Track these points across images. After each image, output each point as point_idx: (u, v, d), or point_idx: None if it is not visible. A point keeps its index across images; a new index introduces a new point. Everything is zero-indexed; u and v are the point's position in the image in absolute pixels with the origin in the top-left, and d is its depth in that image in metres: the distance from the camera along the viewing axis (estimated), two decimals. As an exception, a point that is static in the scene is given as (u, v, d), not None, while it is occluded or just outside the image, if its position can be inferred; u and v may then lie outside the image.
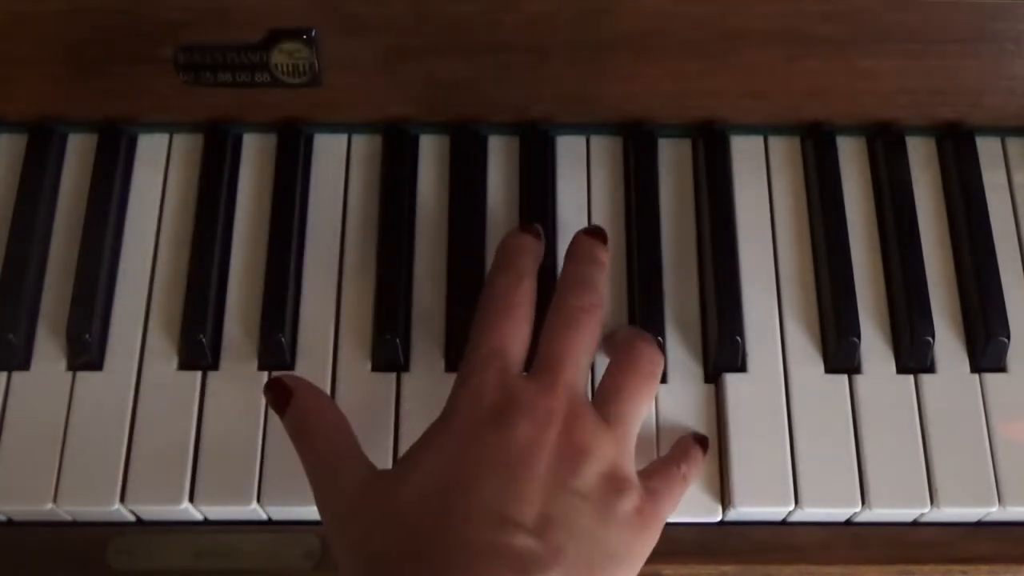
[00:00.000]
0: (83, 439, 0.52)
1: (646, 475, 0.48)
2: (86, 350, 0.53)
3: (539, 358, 0.48)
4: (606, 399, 0.49)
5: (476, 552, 0.42)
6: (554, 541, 0.43)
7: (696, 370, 0.54)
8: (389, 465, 0.51)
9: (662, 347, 0.53)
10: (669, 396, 0.54)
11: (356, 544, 0.44)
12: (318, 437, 0.47)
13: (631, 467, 0.47)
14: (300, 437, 0.48)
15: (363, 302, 0.55)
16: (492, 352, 0.48)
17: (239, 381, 0.54)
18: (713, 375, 0.54)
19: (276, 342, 0.53)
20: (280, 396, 0.48)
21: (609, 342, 0.53)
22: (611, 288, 0.56)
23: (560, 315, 0.49)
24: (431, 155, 0.59)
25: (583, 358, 0.48)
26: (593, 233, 0.54)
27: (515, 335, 0.49)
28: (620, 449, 0.47)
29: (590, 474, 0.45)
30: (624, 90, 0.56)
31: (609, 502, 0.45)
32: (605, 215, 0.58)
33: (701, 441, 0.52)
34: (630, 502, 0.45)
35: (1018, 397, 0.54)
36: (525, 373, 0.48)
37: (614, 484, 0.45)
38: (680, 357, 0.54)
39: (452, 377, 0.52)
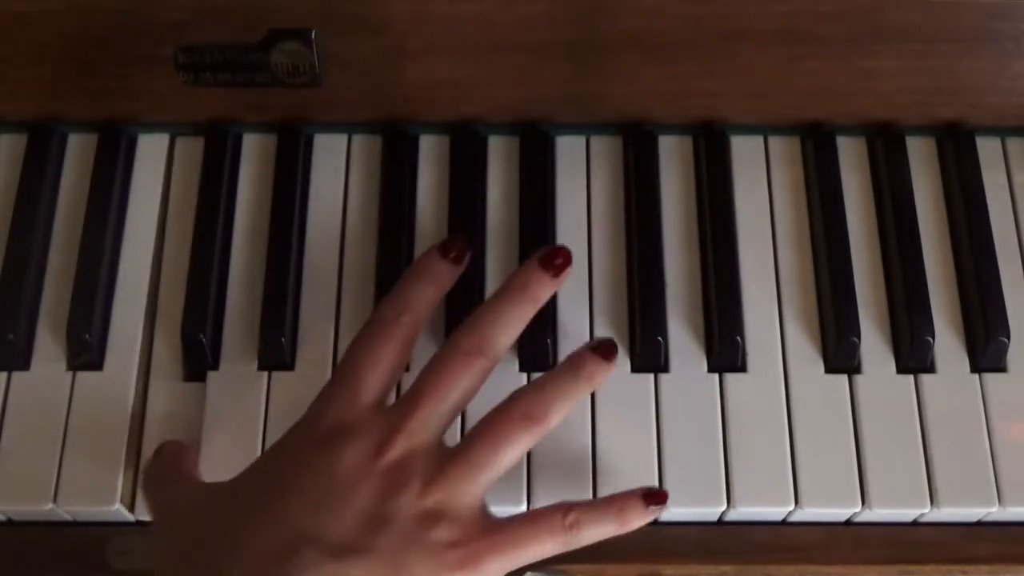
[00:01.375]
0: (83, 439, 0.52)
1: (512, 516, 0.47)
2: (86, 350, 0.53)
3: (408, 390, 0.48)
4: (466, 439, 0.47)
5: (260, 552, 0.43)
6: (348, 557, 0.43)
7: (698, 370, 0.54)
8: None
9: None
10: (671, 394, 0.53)
11: (166, 547, 0.46)
12: (157, 468, 0.50)
13: (463, 507, 0.45)
14: (147, 473, 0.50)
15: (363, 302, 0.55)
16: (348, 378, 0.47)
17: (239, 381, 0.54)
18: (714, 374, 0.54)
19: (276, 342, 0.53)
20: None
21: None
22: (611, 288, 0.56)
23: (441, 355, 0.48)
24: (431, 155, 0.59)
25: (446, 402, 0.47)
26: (545, 261, 0.49)
27: (377, 368, 0.47)
28: (452, 489, 0.45)
29: (404, 505, 0.44)
30: (624, 90, 0.56)
31: (421, 530, 0.44)
32: (605, 215, 0.58)
33: (650, 497, 0.48)
34: (443, 534, 0.44)
35: (1018, 397, 0.54)
36: (386, 405, 0.48)
37: (430, 518, 0.44)
38: (680, 357, 0.54)
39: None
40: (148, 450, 0.52)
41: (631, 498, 0.48)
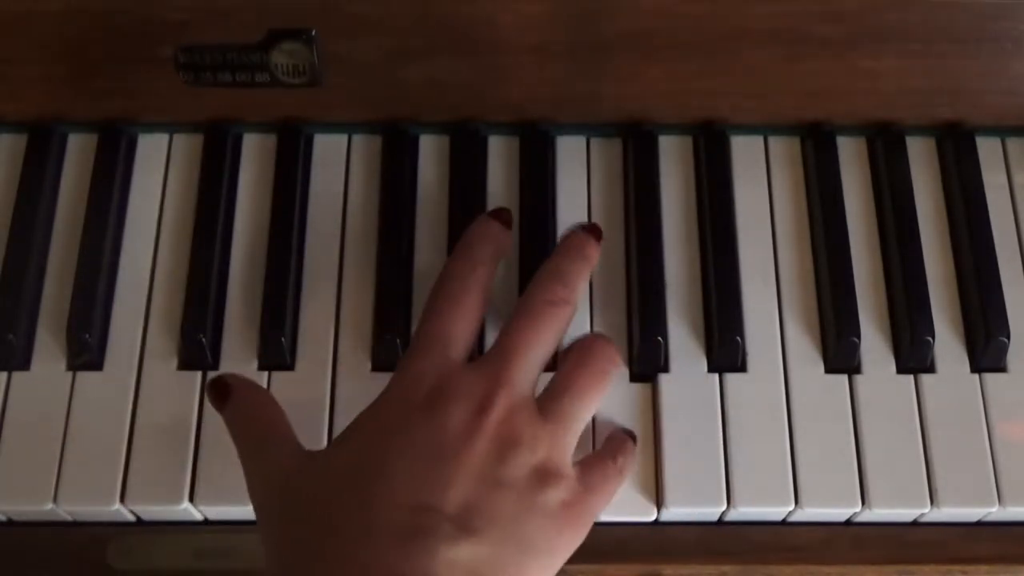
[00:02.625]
0: (83, 439, 0.52)
1: (583, 470, 0.48)
2: (86, 350, 0.53)
3: (493, 347, 0.48)
4: (552, 394, 0.48)
5: (384, 533, 0.42)
6: (470, 525, 0.42)
7: (697, 370, 0.54)
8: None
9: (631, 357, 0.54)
10: (671, 394, 0.53)
11: (277, 521, 0.45)
12: (250, 423, 0.48)
13: (565, 462, 0.47)
14: (234, 427, 0.48)
15: (363, 302, 0.55)
16: (434, 338, 0.47)
17: (239, 381, 0.54)
18: (713, 374, 0.54)
19: (276, 342, 0.53)
20: (220, 393, 0.49)
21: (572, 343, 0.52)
22: (611, 288, 0.56)
23: (523, 307, 0.49)
24: (431, 155, 0.59)
25: (537, 353, 0.48)
26: (588, 229, 0.53)
27: (461, 323, 0.48)
28: (555, 443, 0.46)
29: (519, 465, 0.45)
30: (624, 90, 0.56)
31: (535, 493, 0.44)
32: (605, 215, 0.58)
33: (631, 435, 0.52)
34: (558, 495, 0.45)
35: (1018, 397, 0.54)
36: (471, 361, 0.48)
37: (544, 477, 0.45)
38: (680, 357, 0.54)
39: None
40: (148, 450, 0.52)
41: (627, 438, 0.52)
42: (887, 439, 0.53)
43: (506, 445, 0.45)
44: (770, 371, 0.54)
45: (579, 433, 0.48)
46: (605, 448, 0.51)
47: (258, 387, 0.50)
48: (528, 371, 0.47)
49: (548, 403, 0.48)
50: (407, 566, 0.41)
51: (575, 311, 0.50)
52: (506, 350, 0.47)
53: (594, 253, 0.52)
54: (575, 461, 0.48)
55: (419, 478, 0.43)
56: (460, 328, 0.48)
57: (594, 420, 0.53)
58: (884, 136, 0.59)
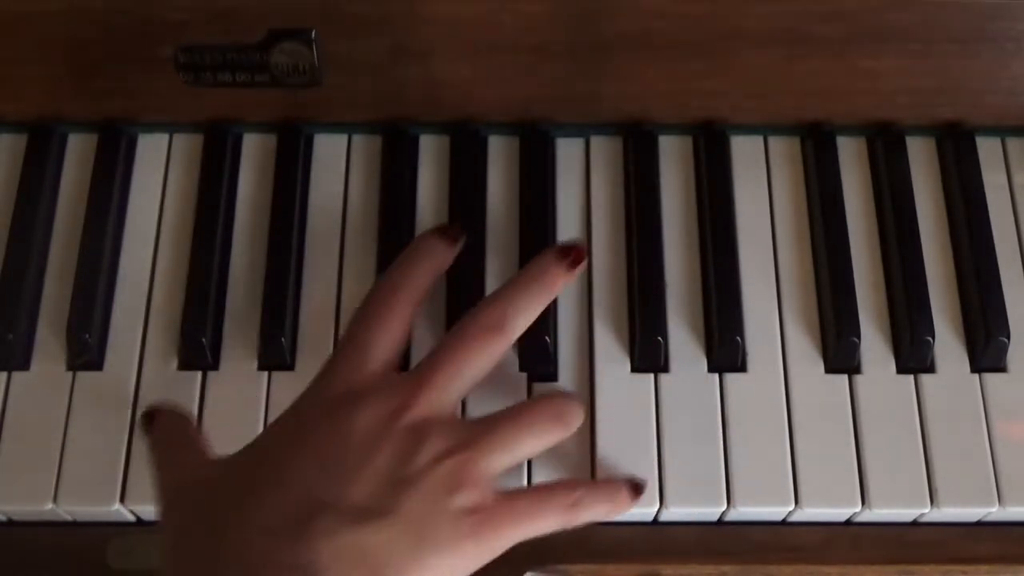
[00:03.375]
0: (83, 439, 0.52)
1: (520, 490, 0.47)
2: (86, 350, 0.53)
3: (422, 361, 0.48)
4: (493, 415, 0.47)
5: (277, 529, 0.42)
6: (364, 517, 0.42)
7: (698, 370, 0.54)
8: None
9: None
10: (671, 394, 0.53)
11: (175, 527, 0.45)
12: (166, 440, 0.49)
13: (481, 474, 0.45)
14: (153, 446, 0.49)
15: (363, 302, 0.55)
16: (356, 346, 0.47)
17: (239, 381, 0.54)
18: (713, 374, 0.54)
19: (276, 342, 0.53)
20: (147, 420, 0.50)
21: None
22: (611, 288, 0.56)
23: (463, 324, 0.48)
24: (431, 155, 0.59)
25: (462, 374, 0.47)
26: (562, 254, 0.50)
27: (385, 333, 0.47)
28: (473, 454, 0.45)
29: (424, 465, 0.44)
30: (624, 90, 0.56)
31: (439, 493, 0.44)
32: (605, 215, 0.58)
33: (634, 487, 0.50)
34: (464, 500, 0.44)
35: (1018, 397, 0.54)
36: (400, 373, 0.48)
37: (451, 480, 0.44)
38: (681, 357, 0.54)
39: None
40: (147, 451, 0.52)
41: (621, 486, 0.50)
42: (887, 439, 0.53)
43: (414, 447, 0.44)
44: (770, 371, 0.54)
45: (507, 463, 0.46)
46: (581, 481, 0.50)
47: (180, 414, 0.50)
48: (450, 390, 0.46)
49: (482, 422, 0.47)
50: (294, 558, 0.41)
51: (511, 343, 0.48)
52: (432, 364, 0.47)
53: (559, 284, 0.49)
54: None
55: (318, 476, 0.43)
56: (384, 338, 0.47)
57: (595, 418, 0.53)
58: (884, 136, 0.59)
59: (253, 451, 0.46)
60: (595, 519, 0.48)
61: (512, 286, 0.49)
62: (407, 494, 0.43)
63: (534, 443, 0.47)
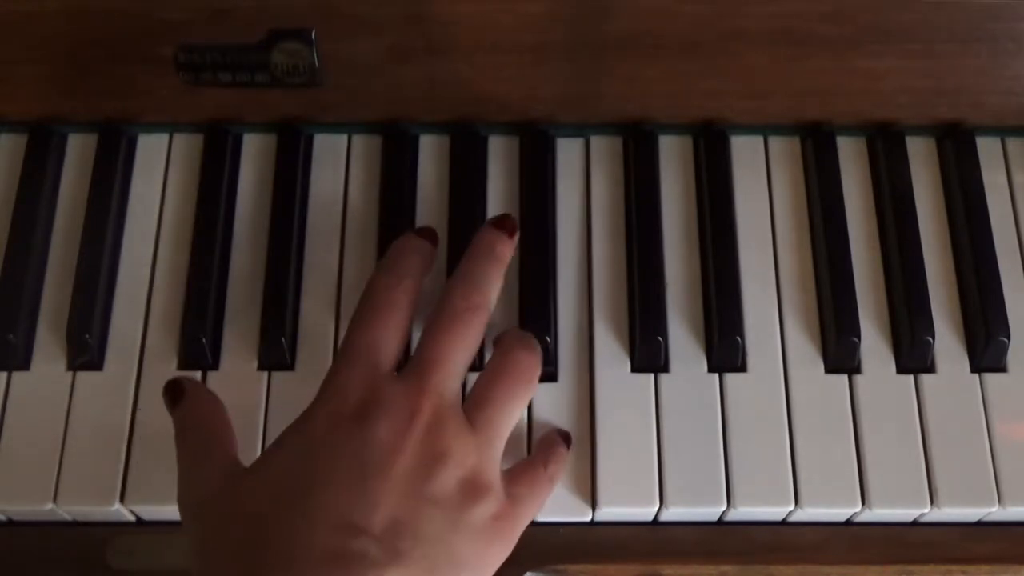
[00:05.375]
0: (83, 439, 0.52)
1: (510, 479, 0.48)
2: (86, 350, 0.53)
3: (413, 357, 0.48)
4: (476, 403, 0.48)
5: (311, 557, 0.41)
6: (398, 547, 0.42)
7: (698, 370, 0.54)
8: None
9: (549, 350, 0.54)
10: (671, 394, 0.53)
11: (203, 536, 0.45)
12: (196, 429, 0.48)
13: (494, 473, 0.46)
14: (181, 430, 0.48)
15: (363, 302, 0.55)
16: (360, 351, 0.47)
17: (239, 381, 0.54)
18: (713, 374, 0.54)
19: (276, 342, 0.53)
20: (175, 395, 0.49)
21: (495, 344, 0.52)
22: (611, 288, 0.56)
23: (441, 314, 0.48)
24: (431, 155, 0.59)
25: (459, 360, 0.47)
26: (499, 224, 0.52)
27: (387, 334, 0.48)
28: (483, 455, 0.46)
29: (447, 480, 0.44)
30: (624, 90, 0.56)
31: (464, 509, 0.44)
32: (605, 215, 0.58)
33: (565, 437, 0.52)
34: (487, 509, 0.45)
35: (1018, 397, 0.54)
36: (397, 373, 0.48)
37: (471, 491, 0.45)
38: (681, 357, 0.54)
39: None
40: (148, 450, 0.52)
41: (559, 440, 0.52)
42: (887, 439, 0.53)
43: (434, 459, 0.45)
44: (770, 371, 0.54)
45: (505, 440, 0.48)
46: (536, 454, 0.51)
47: (211, 395, 0.50)
48: (452, 378, 0.47)
49: (473, 413, 0.47)
50: None
51: (490, 313, 0.49)
52: (426, 360, 0.47)
53: (506, 251, 0.52)
54: (504, 469, 0.48)
55: (345, 497, 0.43)
56: (386, 339, 0.47)
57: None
58: (884, 136, 0.59)
59: (278, 466, 0.45)
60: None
61: (471, 263, 0.51)
62: (435, 515, 0.44)
63: (518, 414, 0.49)
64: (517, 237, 0.53)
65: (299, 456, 0.45)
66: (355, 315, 0.49)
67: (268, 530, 0.43)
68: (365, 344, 0.47)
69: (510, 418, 0.48)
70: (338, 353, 0.48)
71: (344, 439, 0.44)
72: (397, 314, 0.48)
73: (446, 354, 0.47)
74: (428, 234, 0.53)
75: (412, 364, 0.47)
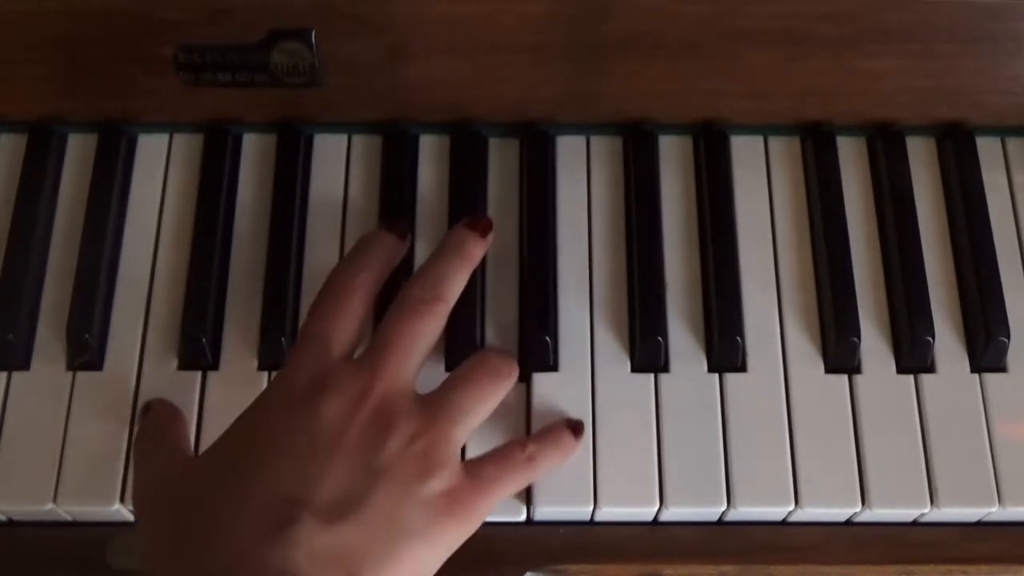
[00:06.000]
0: (83, 439, 0.52)
1: (481, 458, 0.48)
2: (86, 350, 0.53)
3: (369, 343, 0.48)
4: (441, 387, 0.49)
5: (252, 528, 0.42)
6: (335, 515, 0.42)
7: (698, 370, 0.54)
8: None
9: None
10: (671, 394, 0.53)
11: (151, 522, 0.46)
12: (150, 430, 0.51)
13: (448, 451, 0.46)
14: (138, 434, 0.51)
15: (363, 302, 0.55)
16: (315, 337, 0.48)
17: (239, 381, 0.54)
18: (713, 374, 0.54)
19: (276, 342, 0.53)
20: (143, 414, 0.52)
21: None
22: (611, 288, 0.56)
23: (400, 304, 0.49)
24: (431, 155, 0.59)
25: (413, 349, 0.48)
26: (472, 224, 0.53)
27: (342, 322, 0.48)
28: (437, 432, 0.46)
29: (394, 454, 0.45)
30: (624, 90, 0.56)
31: (412, 482, 0.44)
32: (605, 215, 0.58)
33: (573, 428, 0.52)
34: (438, 485, 0.45)
35: (1018, 397, 0.54)
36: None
37: (421, 465, 0.45)
38: (681, 357, 0.54)
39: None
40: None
41: (562, 429, 0.51)
42: (887, 439, 0.53)
43: (381, 434, 0.45)
44: (770, 371, 0.54)
45: (470, 428, 0.48)
46: (520, 440, 0.51)
47: (171, 405, 0.52)
48: (406, 365, 0.47)
49: (434, 395, 0.48)
50: (270, 559, 0.41)
51: (449, 309, 0.50)
52: (382, 345, 0.48)
53: (476, 250, 0.52)
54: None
55: (290, 472, 0.43)
56: (341, 327, 0.48)
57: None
58: (884, 136, 0.59)
59: (224, 449, 0.46)
60: (550, 468, 0.50)
61: (438, 259, 0.51)
62: (379, 486, 0.44)
63: (489, 405, 0.49)
64: (490, 238, 0.53)
65: (246, 438, 0.46)
66: (312, 305, 0.49)
67: (209, 509, 0.43)
68: (319, 331, 0.48)
69: (474, 403, 0.48)
70: (295, 342, 0.49)
71: (291, 419, 0.45)
72: (352, 304, 0.49)
73: (401, 341, 0.48)
74: (397, 228, 0.53)
75: (367, 350, 0.48)
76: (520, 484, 0.49)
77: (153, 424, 0.51)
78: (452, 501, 0.45)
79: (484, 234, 0.53)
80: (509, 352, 0.53)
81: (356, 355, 0.49)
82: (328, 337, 0.48)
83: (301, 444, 0.44)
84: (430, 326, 0.49)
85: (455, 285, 0.50)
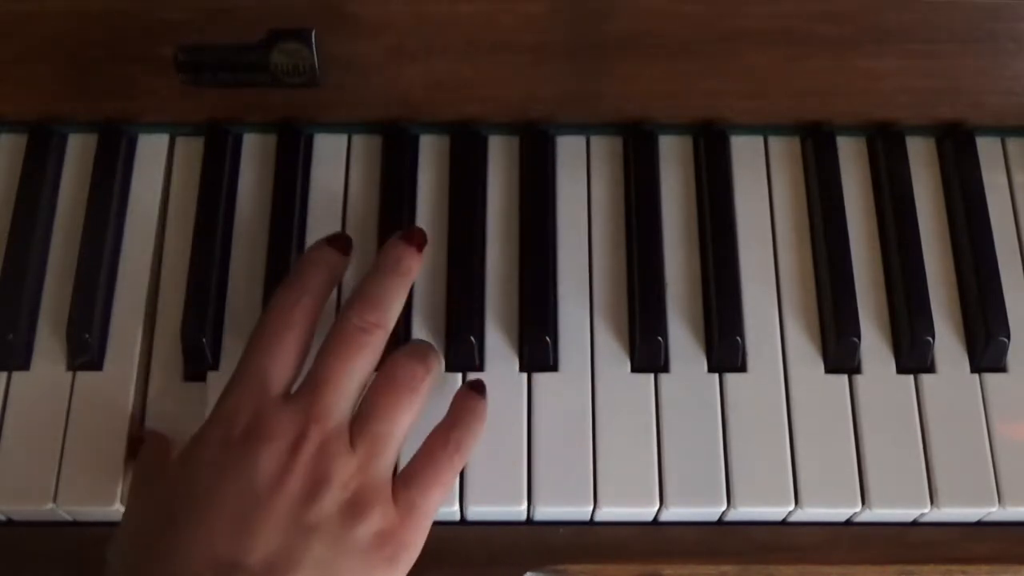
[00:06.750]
0: (83, 439, 0.52)
1: (404, 480, 0.47)
2: (86, 350, 0.53)
3: (307, 377, 0.47)
4: (360, 417, 0.47)
5: None
6: None
7: (698, 370, 0.54)
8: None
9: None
10: (671, 394, 0.53)
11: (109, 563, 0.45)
12: (144, 460, 0.51)
13: (378, 490, 0.46)
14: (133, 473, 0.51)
15: (363, 302, 0.55)
16: (252, 374, 0.47)
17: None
18: (713, 374, 0.54)
19: (276, 342, 0.53)
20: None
21: None
22: (611, 288, 0.56)
23: (335, 335, 0.48)
24: (431, 155, 0.59)
25: (349, 381, 0.47)
26: (406, 238, 0.51)
27: (281, 358, 0.47)
28: (367, 473, 0.45)
29: (328, 506, 0.44)
30: (624, 90, 0.56)
31: (345, 530, 0.44)
32: (605, 215, 0.58)
33: (478, 390, 0.50)
34: (370, 527, 0.44)
35: (1018, 397, 0.54)
36: (292, 392, 0.47)
37: (353, 511, 0.44)
38: (681, 357, 0.54)
39: (453, 376, 0.52)
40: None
41: (469, 395, 0.50)
42: (887, 439, 0.53)
43: (316, 486, 0.44)
44: (770, 371, 0.54)
45: (396, 449, 0.47)
46: (439, 427, 0.49)
47: (158, 436, 0.52)
48: (341, 400, 0.47)
49: (357, 429, 0.47)
50: None
51: (388, 333, 0.49)
52: (318, 381, 0.47)
53: (413, 265, 0.51)
54: (404, 467, 0.48)
55: (225, 529, 0.43)
56: (279, 363, 0.47)
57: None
58: (884, 136, 0.59)
59: (163, 492, 0.45)
60: (477, 442, 0.49)
61: (376, 279, 0.50)
62: (313, 541, 0.43)
63: (413, 415, 0.48)
64: (424, 250, 0.52)
65: (182, 484, 0.45)
66: (252, 335, 0.48)
67: (145, 561, 0.43)
68: (256, 367, 0.47)
69: (396, 427, 0.47)
70: (233, 374, 0.48)
71: (227, 468, 0.44)
72: (291, 335, 0.48)
73: (337, 376, 0.47)
74: (339, 242, 0.52)
75: (303, 384, 0.47)
76: (453, 478, 0.48)
77: (148, 451, 0.51)
78: (384, 543, 0.45)
79: (420, 248, 0.51)
80: (422, 345, 0.50)
81: (296, 385, 0.48)
82: (266, 375, 0.47)
83: (236, 499, 0.43)
84: (367, 356, 0.48)
85: (394, 308, 0.49)
